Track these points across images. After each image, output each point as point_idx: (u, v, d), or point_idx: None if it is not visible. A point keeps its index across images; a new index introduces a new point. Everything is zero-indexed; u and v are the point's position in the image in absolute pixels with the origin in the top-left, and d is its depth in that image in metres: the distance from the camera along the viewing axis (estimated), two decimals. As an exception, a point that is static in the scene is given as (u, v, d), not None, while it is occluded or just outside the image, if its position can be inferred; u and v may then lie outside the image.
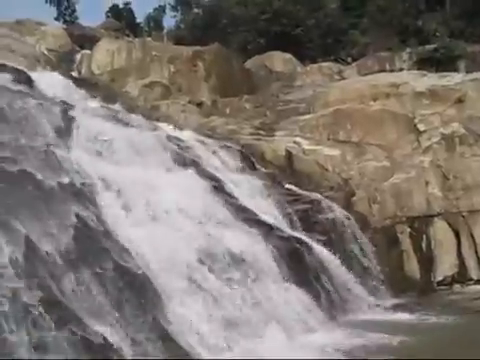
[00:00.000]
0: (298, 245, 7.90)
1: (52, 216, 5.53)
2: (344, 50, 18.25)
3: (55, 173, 6.23)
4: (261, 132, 11.21)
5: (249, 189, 8.72)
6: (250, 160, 9.99)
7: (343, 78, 14.77)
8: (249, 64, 16.04)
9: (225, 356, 5.57)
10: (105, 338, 4.74)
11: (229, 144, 9.97)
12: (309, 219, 8.99)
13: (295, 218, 8.83)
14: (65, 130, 7.09)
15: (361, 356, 5.77)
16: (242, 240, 7.09)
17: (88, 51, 14.73)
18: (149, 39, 17.77)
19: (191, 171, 7.96)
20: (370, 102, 11.23)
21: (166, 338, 5.26)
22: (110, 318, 4.97)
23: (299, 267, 7.58)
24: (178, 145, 8.64)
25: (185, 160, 8.29)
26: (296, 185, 9.82)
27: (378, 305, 8.07)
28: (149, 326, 5.26)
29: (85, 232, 5.61)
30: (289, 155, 10.54)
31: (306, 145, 10.79)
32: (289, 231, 8.30)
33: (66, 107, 7.80)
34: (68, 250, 5.27)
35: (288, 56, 16.55)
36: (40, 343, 4.39)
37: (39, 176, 5.73)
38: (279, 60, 16.39)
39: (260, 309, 6.52)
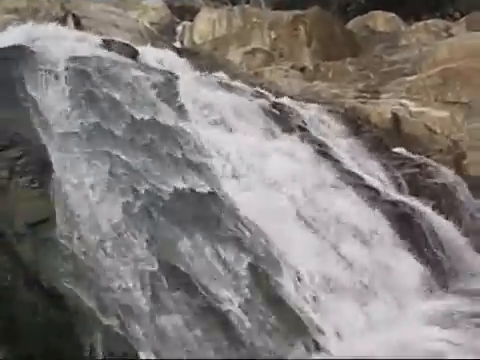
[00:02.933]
0: (407, 210, 7.69)
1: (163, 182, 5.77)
2: (451, 5, 17.28)
3: (163, 141, 6.44)
4: (366, 95, 10.96)
5: (355, 153, 8.58)
6: (355, 124, 9.79)
7: (451, 35, 14.04)
8: (350, 26, 15.62)
9: (336, 322, 5.57)
10: (221, 301, 4.92)
11: (333, 108, 9.83)
12: (417, 183, 8.72)
13: (403, 182, 8.59)
14: (171, 100, 7.25)
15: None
16: (349, 205, 7.02)
17: (189, 22, 14.95)
18: (247, 6, 17.72)
19: (296, 136, 7.94)
20: (481, 60, 10.61)
21: (278, 303, 5.35)
22: (224, 282, 5.12)
23: (408, 232, 7.39)
24: (282, 110, 8.62)
25: (290, 125, 8.26)
26: (403, 148, 9.54)
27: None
28: (262, 291, 5.37)
29: (196, 198, 5.79)
30: (395, 118, 10.24)
31: (413, 107, 10.43)
32: (397, 195, 8.10)
33: (171, 77, 7.96)
34: (181, 216, 5.48)
35: (391, 15, 15.95)
36: (160, 303, 4.64)
37: (153, 145, 5.97)
38: (382, 20, 15.84)
39: (369, 275, 6.44)
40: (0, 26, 9.16)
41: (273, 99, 9.22)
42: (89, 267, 4.65)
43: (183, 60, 10.32)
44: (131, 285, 4.66)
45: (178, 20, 15.83)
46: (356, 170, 8.05)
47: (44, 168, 5.21)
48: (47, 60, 6.77)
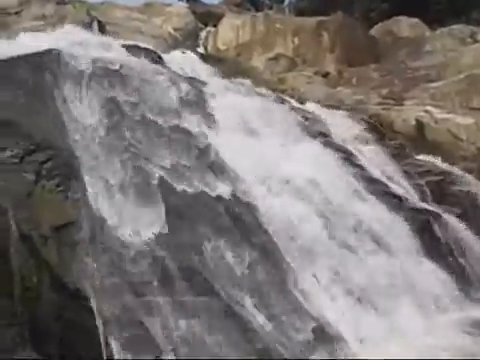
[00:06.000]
0: (430, 217, 7.63)
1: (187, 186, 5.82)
2: (477, 10, 17.11)
3: (188, 146, 6.49)
4: (389, 101, 10.90)
5: (378, 160, 8.53)
6: (379, 130, 9.74)
7: (476, 41, 13.90)
8: (374, 31, 15.55)
9: (358, 329, 5.55)
10: (241, 305, 4.93)
11: (357, 115, 9.79)
12: (442, 191, 8.63)
13: (426, 190, 8.52)
14: (196, 105, 7.31)
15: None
16: (372, 212, 6.98)
17: (213, 28, 15.03)
18: (271, 12, 17.76)
19: (319, 142, 7.93)
20: (508, 66, 10.48)
21: (300, 308, 5.35)
22: (245, 286, 5.14)
23: (432, 240, 7.33)
24: (305, 117, 8.62)
25: (313, 131, 8.26)
26: (427, 155, 9.46)
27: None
28: (282, 297, 5.37)
29: (218, 202, 5.83)
30: (419, 124, 10.16)
31: (437, 113, 10.33)
32: (420, 203, 8.04)
33: (196, 83, 8.02)
34: (202, 221, 5.52)
35: (415, 20, 15.82)
36: (181, 307, 4.67)
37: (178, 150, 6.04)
38: (405, 25, 15.72)
39: (393, 283, 6.39)
40: (28, 32, 9.33)
41: (296, 105, 9.23)
42: (112, 270, 4.70)
43: (207, 66, 10.40)
44: (153, 288, 4.70)
45: (202, 26, 15.92)
46: (379, 177, 8.00)
47: (70, 172, 5.30)
48: (73, 65, 6.86)
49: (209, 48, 14.44)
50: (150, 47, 10.26)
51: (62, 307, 4.66)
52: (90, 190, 5.20)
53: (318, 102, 10.08)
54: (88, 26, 12.03)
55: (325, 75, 12.65)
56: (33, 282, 4.80)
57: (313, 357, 5.08)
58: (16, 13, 12.54)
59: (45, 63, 6.80)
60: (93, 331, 4.47)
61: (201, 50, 14.21)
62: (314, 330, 5.31)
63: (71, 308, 4.62)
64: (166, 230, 5.15)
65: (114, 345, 4.45)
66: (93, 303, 4.54)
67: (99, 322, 4.47)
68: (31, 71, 6.64)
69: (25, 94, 6.23)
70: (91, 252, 4.77)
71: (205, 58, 11.40)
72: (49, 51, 7.00)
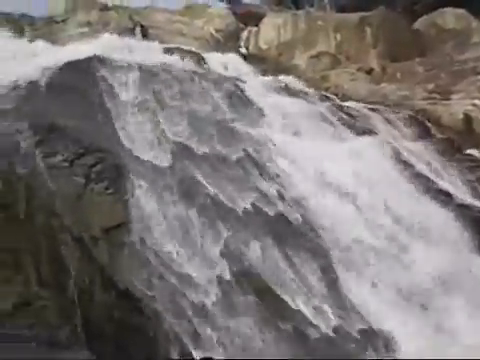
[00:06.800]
0: (481, 213, 7.44)
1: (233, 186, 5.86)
2: (526, -1, 16.54)
3: (233, 147, 6.52)
4: (436, 96, 10.64)
5: (426, 156, 8.37)
6: (425, 126, 9.55)
7: (526, 30, 13.47)
8: (418, 25, 15.20)
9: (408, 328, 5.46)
10: (290, 305, 4.92)
11: (402, 110, 9.63)
12: (494, 186, 8.40)
13: (477, 185, 8.31)
14: (240, 105, 7.34)
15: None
16: (422, 209, 6.86)
17: (254, 28, 15.02)
18: (312, 9, 17.62)
19: (365, 140, 7.84)
20: None
21: (349, 308, 5.29)
22: (295, 287, 5.13)
23: (482, 236, 7.14)
24: (350, 114, 8.53)
25: (358, 129, 8.17)
26: (476, 150, 9.22)
27: None
28: (331, 297, 5.33)
29: (267, 203, 5.83)
30: (467, 118, 9.88)
31: (487, 107, 10.06)
32: (470, 199, 7.85)
33: (239, 83, 8.05)
34: (252, 222, 5.54)
35: (461, 11, 15.38)
36: (230, 307, 4.71)
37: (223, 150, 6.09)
38: (451, 17, 15.30)
39: (443, 280, 6.27)
40: (75, 39, 9.55)
41: (340, 103, 9.14)
42: (162, 271, 4.77)
43: (249, 66, 10.42)
44: (204, 289, 4.75)
45: (243, 26, 15.93)
46: (427, 173, 7.85)
47: (118, 174, 5.40)
48: (118, 70, 7.01)
49: (251, 48, 14.41)
50: (193, 49, 10.35)
51: (114, 307, 4.77)
52: (138, 192, 5.28)
53: (362, 99, 9.95)
54: (131, 31, 12.22)
55: (369, 71, 12.46)
56: (85, 283, 4.92)
57: (363, 357, 5.03)
58: (62, 21, 12.86)
59: (91, 69, 6.96)
60: (144, 331, 4.55)
61: (243, 50, 14.22)
62: (363, 330, 5.26)
63: (122, 308, 4.72)
64: (215, 231, 5.20)
65: (165, 344, 4.51)
66: (144, 303, 4.61)
67: (150, 322, 4.54)
68: (78, 77, 6.81)
69: (72, 99, 6.40)
70: (141, 253, 4.85)
71: (247, 58, 11.42)
72: (95, 57, 7.16)
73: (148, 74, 7.08)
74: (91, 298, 4.87)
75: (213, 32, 15.32)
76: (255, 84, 8.29)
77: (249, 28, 15.32)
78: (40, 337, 5.12)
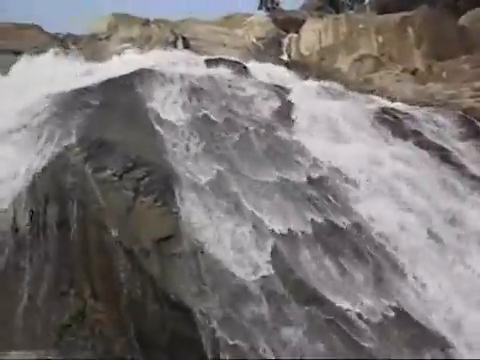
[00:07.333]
0: None
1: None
2: None
3: (278, 154, 6.51)
4: (484, 94, 10.38)
5: (475, 156, 8.14)
6: (474, 125, 9.30)
7: None
8: (462, 21, 14.84)
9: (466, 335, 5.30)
10: (343, 312, 4.86)
11: (449, 110, 9.40)
12: None
13: None
14: (285, 113, 7.32)
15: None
16: (474, 211, 6.67)
17: (294, 34, 14.99)
18: (352, 12, 17.48)
19: (412, 142, 7.69)
20: None
21: (403, 314, 5.18)
22: (346, 294, 5.05)
23: None
24: (396, 116, 8.39)
25: (404, 131, 8.02)
26: None
27: None
28: (384, 302, 5.22)
29: (319, 209, 5.80)
30: (518, 116, 9.59)
31: None
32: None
33: (282, 91, 8.04)
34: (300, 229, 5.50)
35: (508, 5, 14.98)
36: (283, 316, 4.68)
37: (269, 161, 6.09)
38: (497, 12, 14.92)
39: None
40: (118, 55, 9.74)
41: (385, 105, 9.01)
42: (213, 281, 4.78)
43: (291, 72, 10.40)
44: (255, 298, 4.73)
45: (283, 33, 15.92)
46: (478, 174, 7.63)
47: (167, 187, 5.46)
48: (164, 83, 7.10)
49: (292, 54, 14.38)
50: (234, 59, 10.40)
51: (166, 318, 4.81)
52: (187, 203, 5.32)
53: (408, 100, 9.77)
54: (173, 44, 12.39)
55: (413, 72, 12.25)
56: (138, 295, 4.98)
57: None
58: (106, 38, 13.14)
59: (136, 83, 7.08)
60: (197, 342, 4.56)
61: (284, 57, 14.21)
62: (419, 335, 5.13)
63: (175, 319, 4.75)
64: (265, 240, 5.18)
65: (217, 355, 4.51)
66: (195, 314, 4.63)
67: (203, 333, 4.56)
68: (123, 92, 6.93)
69: (118, 114, 6.52)
70: (192, 264, 4.88)
71: (289, 65, 11.40)
72: (139, 71, 7.28)
73: (192, 86, 7.16)
74: (144, 310, 4.93)
75: (254, 40, 15.37)
76: (299, 91, 8.24)
77: (290, 35, 15.31)
78: (96, 349, 5.22)
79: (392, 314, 5.16)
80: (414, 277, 5.53)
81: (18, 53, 11.30)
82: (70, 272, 5.52)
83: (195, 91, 7.07)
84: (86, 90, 6.95)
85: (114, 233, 5.26)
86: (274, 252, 5.11)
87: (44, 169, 5.84)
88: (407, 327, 5.12)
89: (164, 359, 4.86)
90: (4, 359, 5.11)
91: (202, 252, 4.94)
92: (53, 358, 5.15)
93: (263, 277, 4.87)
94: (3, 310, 5.41)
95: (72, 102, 6.74)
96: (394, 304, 5.27)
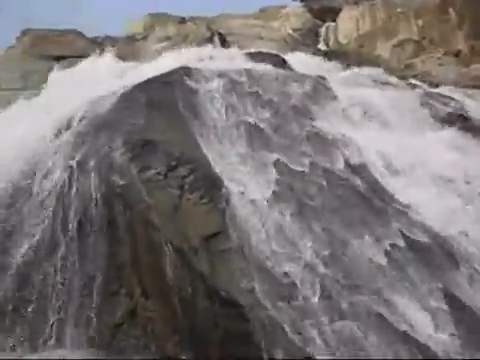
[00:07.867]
0: None
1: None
2: None
3: (322, 146, 6.43)
4: None
5: None
6: (525, 106, 8.99)
7: None
8: (507, -2, 14.39)
9: None
10: (393, 305, 4.75)
11: (497, 92, 9.13)
12: None
13: None
14: (327, 103, 7.23)
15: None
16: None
17: (331, 23, 14.84)
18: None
19: (458, 127, 7.48)
20: None
21: (454, 308, 5.03)
22: (399, 287, 4.94)
23: None
24: (440, 101, 8.19)
25: (450, 116, 7.82)
26: None
27: None
28: (435, 295, 5.08)
29: (362, 199, 5.70)
30: None
31: None
32: None
33: (322, 81, 7.93)
34: (349, 219, 5.42)
35: None
36: (335, 309, 4.62)
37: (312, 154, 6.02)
38: None
39: None
40: (156, 54, 9.81)
41: (429, 90, 8.81)
42: (264, 276, 4.75)
43: (331, 62, 10.28)
44: (306, 292, 4.68)
45: (320, 23, 15.76)
46: None
47: (212, 183, 5.45)
48: (202, 80, 7.09)
49: (330, 43, 14.26)
50: (273, 51, 10.34)
51: (218, 315, 4.80)
52: (233, 200, 5.30)
53: (452, 84, 9.53)
54: (210, 40, 12.41)
55: (456, 54, 11.95)
56: (188, 293, 4.99)
57: (469, 357, 4.74)
58: (143, 38, 13.27)
59: (175, 81, 7.08)
60: (250, 338, 4.54)
61: (322, 47, 14.09)
62: (467, 328, 4.96)
63: (226, 316, 4.74)
64: (310, 232, 5.12)
65: (271, 350, 4.48)
66: (247, 310, 4.61)
67: (255, 328, 4.53)
68: (163, 90, 6.95)
69: (160, 113, 6.54)
70: (241, 260, 4.86)
71: (328, 54, 11.27)
72: (179, 69, 7.29)
73: (232, 82, 7.12)
74: (195, 307, 4.93)
75: (290, 32, 15.30)
76: (339, 79, 8.13)
77: (327, 24, 15.18)
78: (149, 348, 5.26)
79: (443, 306, 5.00)
80: (468, 267, 5.37)
81: (58, 58, 11.54)
82: (119, 272, 5.58)
83: (235, 87, 7.03)
84: (127, 91, 7.00)
85: (162, 231, 5.28)
86: (324, 243, 5.05)
87: (91, 170, 5.92)
88: (459, 319, 4.96)
89: (217, 356, 4.84)
90: (52, 358, 5.21)
91: (251, 247, 4.92)
92: (106, 358, 5.23)
93: (313, 269, 4.81)
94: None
95: (115, 104, 6.79)
96: (446, 295, 5.12)
